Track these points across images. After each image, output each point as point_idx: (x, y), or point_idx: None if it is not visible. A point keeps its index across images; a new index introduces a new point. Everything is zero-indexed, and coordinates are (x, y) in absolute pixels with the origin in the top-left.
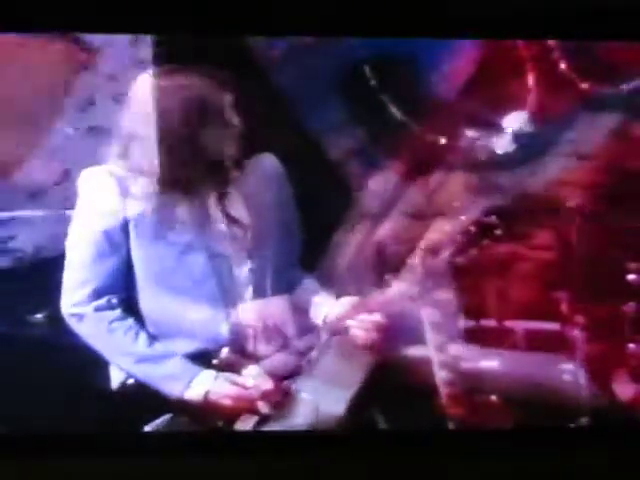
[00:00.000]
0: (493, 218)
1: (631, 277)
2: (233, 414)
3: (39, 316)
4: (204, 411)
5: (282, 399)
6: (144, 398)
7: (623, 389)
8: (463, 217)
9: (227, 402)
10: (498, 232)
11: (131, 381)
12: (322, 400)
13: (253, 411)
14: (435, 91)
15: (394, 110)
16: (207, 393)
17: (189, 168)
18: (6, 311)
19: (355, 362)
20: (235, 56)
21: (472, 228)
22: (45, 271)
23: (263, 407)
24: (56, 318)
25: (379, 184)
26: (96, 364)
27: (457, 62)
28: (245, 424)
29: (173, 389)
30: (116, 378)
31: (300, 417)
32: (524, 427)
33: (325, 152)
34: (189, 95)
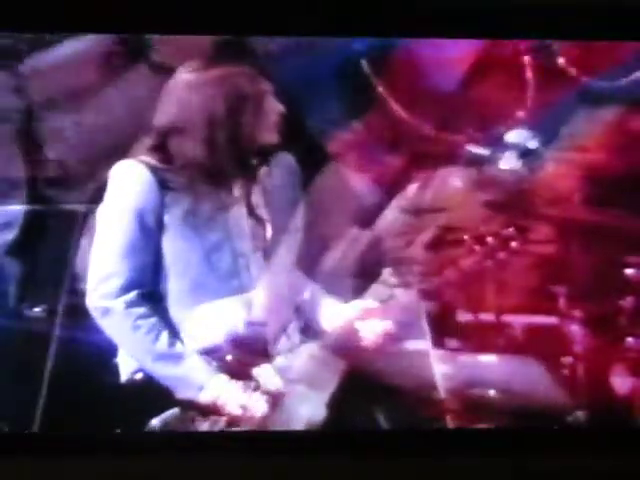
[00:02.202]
0: (511, 230)
1: (629, 272)
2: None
3: (38, 310)
4: (210, 412)
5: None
6: (151, 392)
7: (621, 383)
8: (482, 228)
9: (234, 407)
10: (514, 245)
11: (139, 375)
12: (307, 403)
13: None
14: (433, 85)
15: (393, 104)
16: (217, 398)
17: (225, 161)
18: (5, 305)
19: (335, 364)
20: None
21: (490, 239)
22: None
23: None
24: (55, 312)
25: (378, 178)
26: (98, 358)
27: (455, 56)
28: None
29: (186, 391)
30: (124, 371)
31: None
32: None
33: (324, 146)
34: (227, 86)
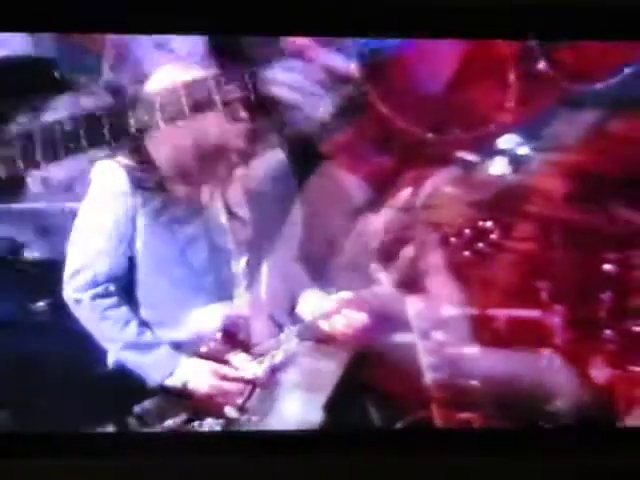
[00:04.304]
0: (489, 223)
1: (608, 267)
2: (208, 404)
3: (41, 304)
4: (183, 398)
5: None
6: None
7: (599, 373)
8: (459, 219)
9: (204, 392)
10: (493, 237)
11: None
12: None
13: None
14: (422, 89)
15: (382, 107)
16: (186, 382)
17: (198, 163)
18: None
19: (331, 363)
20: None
21: (467, 231)
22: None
23: (231, 411)
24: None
25: (367, 178)
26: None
27: (442, 61)
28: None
29: (155, 376)
30: (112, 356)
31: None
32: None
33: (317, 148)
34: (197, 91)
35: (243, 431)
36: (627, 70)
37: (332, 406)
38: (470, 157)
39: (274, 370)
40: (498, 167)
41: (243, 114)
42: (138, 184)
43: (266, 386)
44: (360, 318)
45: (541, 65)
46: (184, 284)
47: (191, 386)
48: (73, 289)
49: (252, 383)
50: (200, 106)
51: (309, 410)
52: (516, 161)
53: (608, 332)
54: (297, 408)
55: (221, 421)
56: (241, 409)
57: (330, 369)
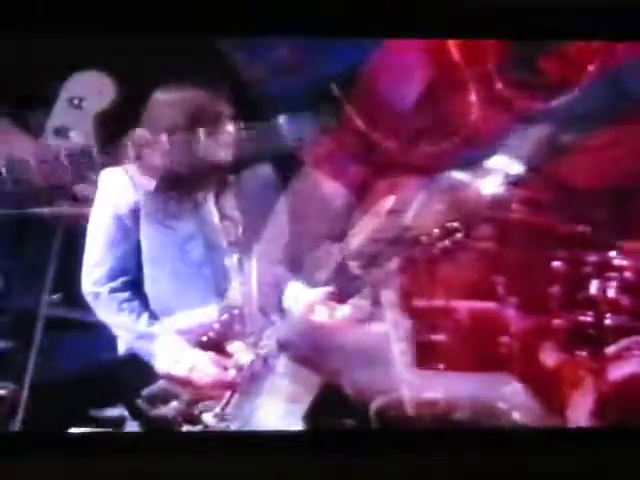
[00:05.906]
0: (456, 224)
1: (556, 264)
2: (210, 390)
3: (55, 297)
4: (188, 385)
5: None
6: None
7: (548, 357)
8: (427, 220)
9: (207, 380)
10: (459, 235)
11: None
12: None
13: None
14: (390, 105)
15: (358, 121)
16: (191, 370)
17: (191, 170)
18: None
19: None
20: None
21: (436, 230)
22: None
23: (208, 418)
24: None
25: (347, 185)
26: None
27: (411, 79)
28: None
29: (162, 364)
30: (122, 346)
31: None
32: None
33: (299, 158)
34: (191, 107)
35: (235, 431)
36: (577, 89)
37: (313, 413)
38: (438, 168)
39: (254, 375)
40: (462, 176)
41: (232, 127)
42: (140, 187)
43: (245, 392)
44: (343, 310)
45: (499, 86)
46: (183, 277)
47: (195, 373)
48: (91, 283)
49: (231, 389)
50: (193, 119)
51: (289, 418)
52: (479, 171)
53: (557, 321)
54: (277, 415)
55: (218, 410)
56: (218, 415)
57: (311, 376)
